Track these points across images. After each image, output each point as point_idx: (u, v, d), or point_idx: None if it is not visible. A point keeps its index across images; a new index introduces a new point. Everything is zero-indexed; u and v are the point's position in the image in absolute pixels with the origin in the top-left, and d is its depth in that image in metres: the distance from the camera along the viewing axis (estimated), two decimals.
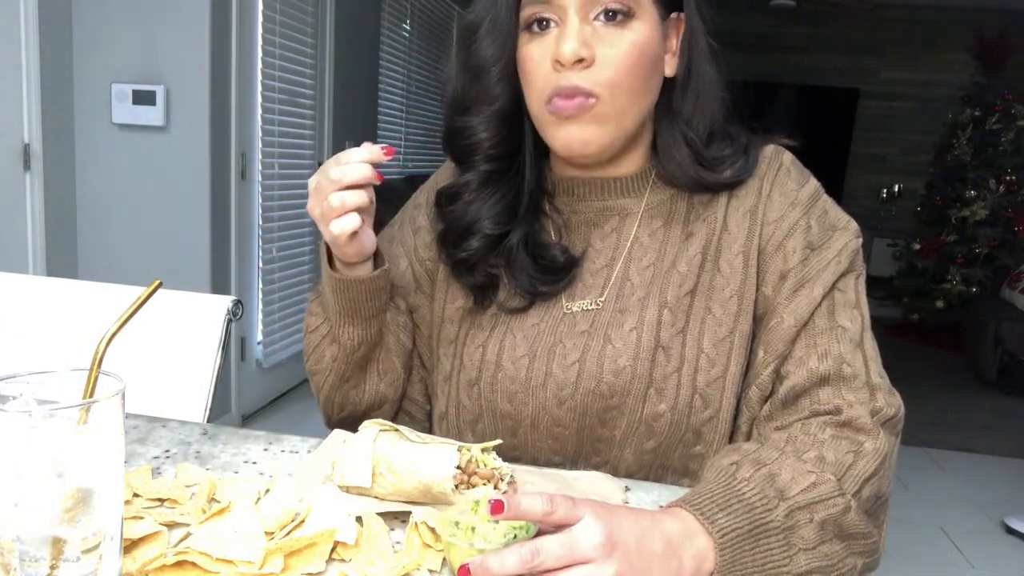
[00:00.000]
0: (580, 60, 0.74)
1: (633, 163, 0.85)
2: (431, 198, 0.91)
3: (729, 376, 0.79)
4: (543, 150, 0.86)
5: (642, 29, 0.76)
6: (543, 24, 0.76)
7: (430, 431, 0.93)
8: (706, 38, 0.81)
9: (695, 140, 0.81)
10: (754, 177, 0.82)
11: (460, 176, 0.86)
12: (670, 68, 0.81)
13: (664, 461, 0.80)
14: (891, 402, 0.73)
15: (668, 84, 0.82)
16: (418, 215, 0.94)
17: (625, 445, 0.79)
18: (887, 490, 0.71)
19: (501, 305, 0.85)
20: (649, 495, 0.74)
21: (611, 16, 0.75)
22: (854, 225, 0.81)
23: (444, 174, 0.93)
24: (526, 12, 0.77)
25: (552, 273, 0.83)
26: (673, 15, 0.80)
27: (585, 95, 0.75)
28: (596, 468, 0.80)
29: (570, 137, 0.78)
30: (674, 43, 0.81)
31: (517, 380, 0.81)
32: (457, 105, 0.84)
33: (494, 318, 0.85)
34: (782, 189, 0.81)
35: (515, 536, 0.55)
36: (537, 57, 0.77)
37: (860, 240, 0.80)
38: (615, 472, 0.80)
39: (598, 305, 0.82)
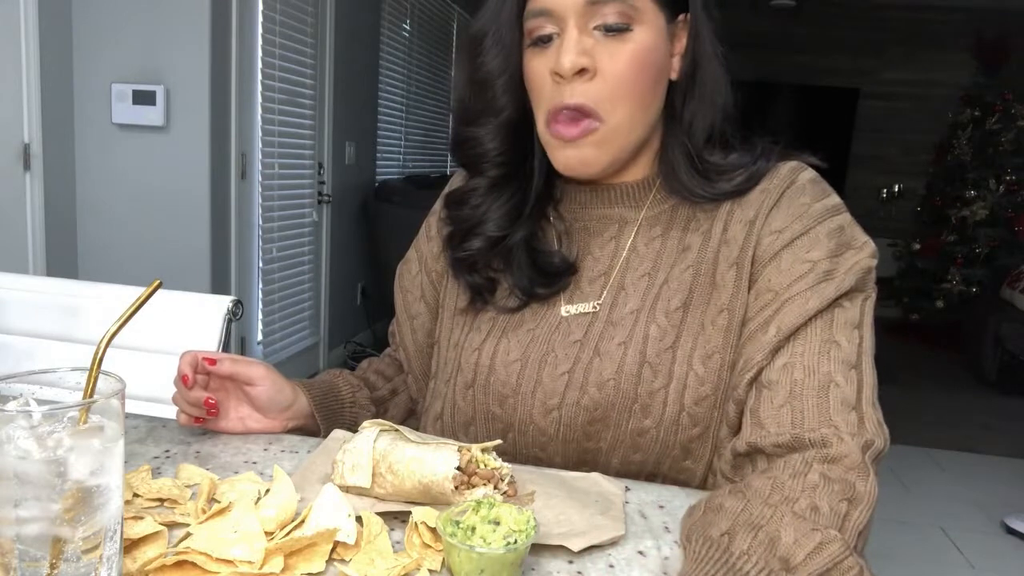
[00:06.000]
0: (581, 71, 0.74)
1: (639, 170, 0.84)
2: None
3: (719, 394, 0.76)
4: None
5: (645, 36, 0.75)
6: (545, 38, 0.76)
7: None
8: (712, 39, 0.79)
9: (695, 146, 0.79)
10: (761, 190, 0.78)
11: (469, 180, 0.87)
12: (676, 71, 0.79)
13: (654, 471, 0.79)
14: (881, 434, 0.66)
15: (672, 87, 0.80)
16: (433, 222, 0.96)
17: (612, 456, 0.78)
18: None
19: (496, 305, 0.85)
20: (648, 495, 0.74)
21: (610, 30, 0.74)
22: (871, 247, 0.75)
23: (458, 179, 0.94)
24: (528, 25, 0.77)
25: (548, 276, 0.83)
26: (680, 17, 0.78)
27: (589, 116, 0.75)
28: None
29: (570, 158, 0.79)
30: (681, 45, 0.79)
31: (508, 384, 0.81)
32: (463, 116, 0.84)
33: (492, 322, 0.85)
34: (791, 202, 0.76)
35: (516, 539, 0.55)
36: (540, 71, 0.77)
37: (874, 262, 0.75)
38: None
39: (594, 308, 0.81)
